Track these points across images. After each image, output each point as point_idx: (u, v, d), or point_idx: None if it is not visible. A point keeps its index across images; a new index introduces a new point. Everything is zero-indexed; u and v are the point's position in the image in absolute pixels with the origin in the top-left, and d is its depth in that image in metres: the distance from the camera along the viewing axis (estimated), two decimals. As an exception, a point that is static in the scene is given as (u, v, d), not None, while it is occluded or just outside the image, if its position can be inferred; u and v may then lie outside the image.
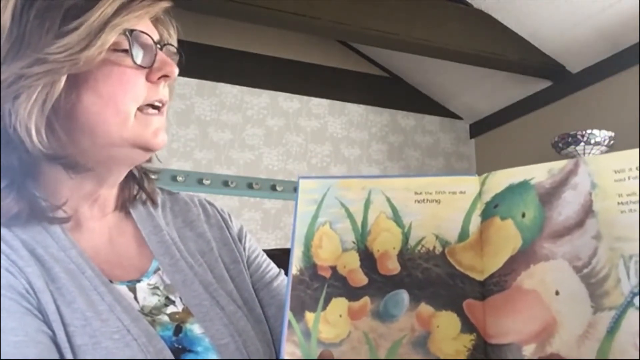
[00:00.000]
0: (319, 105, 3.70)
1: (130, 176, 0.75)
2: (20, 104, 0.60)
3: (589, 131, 2.72)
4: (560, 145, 2.82)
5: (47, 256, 0.63)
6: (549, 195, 0.54)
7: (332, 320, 0.56)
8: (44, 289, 0.59)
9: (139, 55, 0.65)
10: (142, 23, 0.67)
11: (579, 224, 0.52)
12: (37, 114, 0.60)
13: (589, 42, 2.92)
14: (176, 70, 0.67)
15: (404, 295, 0.56)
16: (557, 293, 0.51)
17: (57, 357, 0.56)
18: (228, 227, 0.82)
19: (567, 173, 0.54)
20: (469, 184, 0.59)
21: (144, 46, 0.66)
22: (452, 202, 0.59)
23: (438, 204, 0.59)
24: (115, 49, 0.63)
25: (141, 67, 0.65)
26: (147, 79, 0.66)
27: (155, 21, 0.71)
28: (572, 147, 2.78)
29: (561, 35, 2.96)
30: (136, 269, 0.70)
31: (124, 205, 0.75)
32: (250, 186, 3.38)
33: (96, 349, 0.58)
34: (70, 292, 0.61)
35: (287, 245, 3.25)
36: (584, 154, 2.79)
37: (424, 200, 0.59)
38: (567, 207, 0.53)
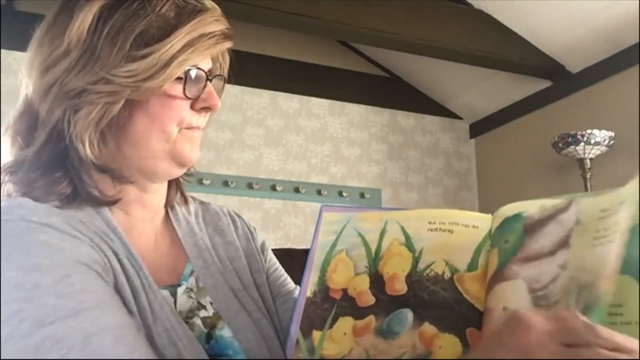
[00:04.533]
0: (319, 105, 3.69)
1: (172, 180, 0.78)
2: (79, 118, 0.64)
3: (589, 131, 2.71)
4: (560, 145, 2.82)
5: (114, 246, 0.66)
6: (533, 226, 0.57)
7: (337, 337, 0.58)
8: (120, 271, 0.63)
9: (190, 89, 0.68)
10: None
11: (551, 252, 0.54)
12: (92, 129, 0.64)
13: (589, 42, 2.92)
14: (218, 104, 0.71)
15: (408, 314, 0.57)
16: (504, 309, 0.53)
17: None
18: (254, 238, 0.85)
19: (557, 210, 0.56)
20: (482, 220, 0.61)
21: (196, 80, 0.68)
22: (464, 233, 0.60)
23: (451, 233, 0.60)
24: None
25: (189, 98, 0.69)
26: (192, 107, 0.70)
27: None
28: (572, 147, 2.78)
29: (561, 35, 2.96)
30: (173, 271, 0.73)
31: (166, 208, 0.79)
32: (250, 186, 3.38)
33: (152, 342, 0.61)
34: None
35: (287, 246, 3.25)
36: (584, 153, 2.79)
37: (437, 229, 0.61)
38: (546, 237, 0.55)
